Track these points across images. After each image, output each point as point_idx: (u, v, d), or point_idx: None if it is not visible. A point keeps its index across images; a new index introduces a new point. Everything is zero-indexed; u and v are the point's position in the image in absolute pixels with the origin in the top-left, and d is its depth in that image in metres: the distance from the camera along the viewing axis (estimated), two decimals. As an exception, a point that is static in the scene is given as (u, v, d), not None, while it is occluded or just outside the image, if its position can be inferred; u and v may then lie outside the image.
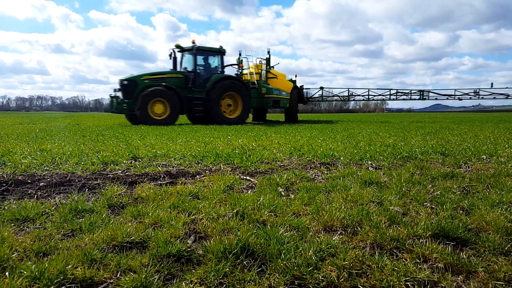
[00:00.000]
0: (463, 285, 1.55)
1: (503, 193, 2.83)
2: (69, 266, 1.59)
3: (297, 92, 18.69)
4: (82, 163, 4.08)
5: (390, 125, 14.58)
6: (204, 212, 2.36)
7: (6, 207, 2.44)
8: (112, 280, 1.55)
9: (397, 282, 1.52)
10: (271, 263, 1.67)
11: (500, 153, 5.15)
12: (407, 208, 2.49)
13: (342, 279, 1.55)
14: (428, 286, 1.53)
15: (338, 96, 21.82)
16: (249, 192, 2.98)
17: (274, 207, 2.46)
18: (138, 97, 13.23)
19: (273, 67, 17.72)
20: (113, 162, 4.19)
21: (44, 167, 3.82)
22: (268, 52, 17.37)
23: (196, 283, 1.53)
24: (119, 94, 13.85)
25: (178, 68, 15.28)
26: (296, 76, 20.03)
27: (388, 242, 1.89)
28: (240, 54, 17.03)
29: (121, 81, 13.76)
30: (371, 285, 1.52)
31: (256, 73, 16.63)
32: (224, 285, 1.52)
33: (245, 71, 16.96)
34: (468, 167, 4.16)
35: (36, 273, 1.51)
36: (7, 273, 1.52)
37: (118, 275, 1.59)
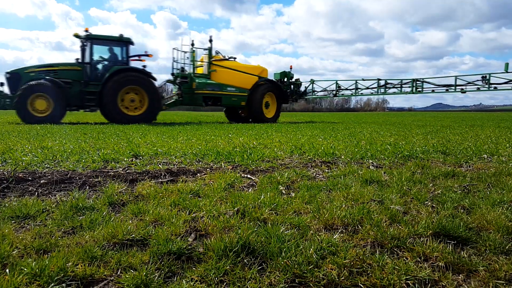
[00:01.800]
0: (463, 284, 1.55)
1: (504, 192, 2.82)
2: (70, 263, 1.59)
3: (274, 88, 16.41)
4: (83, 160, 4.08)
5: (391, 126, 14.58)
6: (205, 210, 2.36)
7: (6, 204, 2.44)
8: (112, 278, 1.55)
9: (398, 281, 1.52)
10: (271, 261, 1.67)
11: (501, 152, 5.15)
12: (408, 207, 2.49)
13: (343, 278, 1.55)
14: (429, 285, 1.53)
15: (326, 90, 18.78)
16: (250, 190, 2.98)
17: (275, 206, 2.46)
18: (16, 92, 11.82)
19: (233, 58, 16.00)
20: (114, 160, 4.19)
21: (45, 164, 3.83)
22: (210, 41, 15.25)
23: (196, 280, 1.53)
24: (4, 88, 12.49)
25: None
26: (291, 68, 18.25)
27: (389, 241, 1.89)
28: (192, 45, 15.31)
29: (6, 74, 12.44)
30: (372, 284, 1.52)
31: (199, 66, 15.16)
32: (225, 283, 1.52)
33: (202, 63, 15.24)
34: (469, 166, 4.15)
35: (37, 270, 1.51)
36: (7, 270, 1.52)
37: (118, 273, 1.59)
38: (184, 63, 15.22)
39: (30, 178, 3.18)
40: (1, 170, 3.39)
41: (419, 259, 1.73)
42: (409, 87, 15.82)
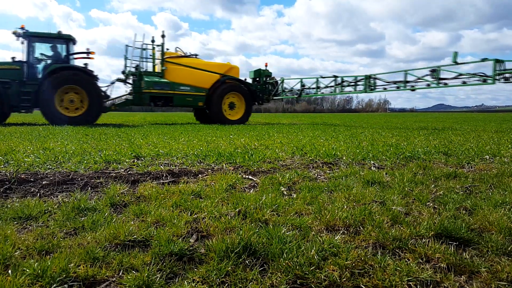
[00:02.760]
0: (465, 285, 1.54)
1: (506, 193, 2.82)
2: (72, 264, 1.59)
3: (239, 87, 15.21)
4: (85, 161, 4.09)
5: (392, 130, 14.56)
6: (206, 211, 2.36)
7: (9, 205, 2.45)
8: (114, 279, 1.56)
9: (400, 282, 1.52)
10: (273, 262, 1.67)
11: (503, 153, 5.13)
12: (410, 208, 2.48)
13: (345, 279, 1.55)
14: (431, 286, 1.52)
15: (293, 89, 16.65)
16: (251, 191, 2.98)
17: (276, 207, 2.46)
18: None
19: (194, 55, 15.10)
20: (115, 161, 4.20)
21: (47, 165, 3.83)
22: (162, 36, 14.30)
23: (198, 282, 1.53)
24: None
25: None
26: (266, 65, 16.80)
27: (391, 242, 1.89)
28: (152, 42, 14.31)
29: None
30: (374, 285, 1.51)
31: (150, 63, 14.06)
32: (226, 284, 1.52)
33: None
34: (471, 167, 4.14)
35: (39, 271, 1.51)
36: (10, 271, 1.53)
37: (120, 274, 1.59)
38: (140, 60, 14.12)
39: (32, 179, 3.19)
40: (4, 171, 3.40)
41: (421, 260, 1.72)
42: (362, 85, 14.01)
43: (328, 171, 3.85)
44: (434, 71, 11.97)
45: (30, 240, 1.85)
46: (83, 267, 1.59)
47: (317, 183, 3.22)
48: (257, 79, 16.73)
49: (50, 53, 13.05)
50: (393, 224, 2.15)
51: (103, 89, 13.36)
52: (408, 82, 12.73)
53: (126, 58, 14.20)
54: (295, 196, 2.80)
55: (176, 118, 22.94)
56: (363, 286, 1.51)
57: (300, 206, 2.49)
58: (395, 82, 13.08)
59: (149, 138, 7.08)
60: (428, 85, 12.27)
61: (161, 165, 4.03)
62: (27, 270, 1.52)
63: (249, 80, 16.71)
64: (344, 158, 4.70)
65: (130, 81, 14.16)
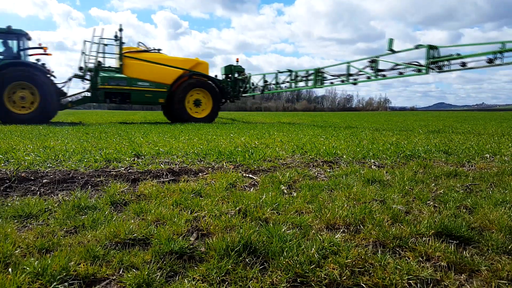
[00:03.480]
0: (466, 284, 1.54)
1: (507, 192, 2.82)
2: (72, 263, 1.59)
3: (205, 84, 14.30)
4: (85, 160, 4.09)
5: (392, 124, 14.55)
6: (207, 209, 2.36)
7: (9, 204, 2.45)
8: (114, 277, 1.56)
9: (400, 281, 1.52)
10: (273, 261, 1.67)
11: (503, 152, 5.13)
12: (410, 207, 2.48)
13: (345, 277, 1.55)
14: (431, 285, 1.52)
15: (257, 86, 15.54)
16: (251, 190, 2.98)
17: (276, 205, 2.46)
18: None
19: (157, 50, 14.44)
20: (116, 160, 4.20)
21: (47, 164, 3.84)
22: (120, 30, 13.43)
23: (198, 280, 1.53)
24: None
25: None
26: (237, 61, 16.03)
27: (391, 241, 1.89)
28: (115, 37, 13.54)
29: None
30: (374, 283, 1.51)
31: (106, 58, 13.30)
32: (227, 282, 1.52)
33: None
34: (472, 166, 4.14)
35: (39, 269, 1.51)
36: (10, 269, 1.53)
37: (120, 272, 1.59)
38: (99, 56, 13.42)
39: (32, 178, 3.19)
40: (4, 170, 3.40)
41: (421, 259, 1.72)
42: (312, 79, 13.25)
43: (328, 170, 3.85)
44: (373, 62, 11.20)
45: (31, 238, 1.85)
46: (83, 265, 1.59)
47: (318, 182, 3.22)
48: (229, 75, 15.92)
49: (2, 48, 12.51)
50: (393, 223, 2.15)
51: (60, 86, 12.85)
52: (351, 75, 12.06)
53: (83, 54, 13.43)
54: (295, 194, 2.80)
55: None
56: (363, 285, 1.51)
57: (300, 205, 2.49)
58: (339, 76, 12.44)
59: (149, 137, 7.08)
60: (368, 77, 11.51)
61: (162, 163, 4.03)
62: (28, 268, 1.52)
63: (222, 77, 15.97)
64: (344, 156, 4.70)
65: (88, 77, 13.43)
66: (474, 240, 1.92)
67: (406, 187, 2.99)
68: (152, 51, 14.47)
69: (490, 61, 8.73)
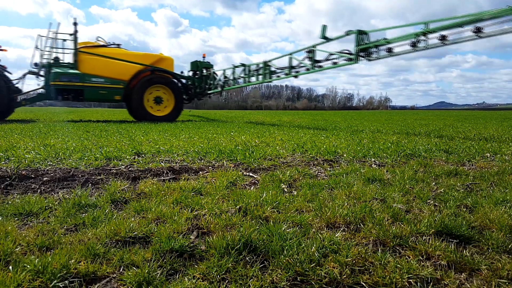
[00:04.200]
0: (466, 283, 1.54)
1: (507, 191, 2.82)
2: (72, 261, 1.59)
3: (166, 80, 13.59)
4: (86, 158, 4.09)
5: (393, 123, 14.54)
6: (207, 208, 2.36)
7: (9, 202, 2.45)
8: (115, 275, 1.56)
9: (400, 279, 1.52)
10: (273, 259, 1.67)
11: (504, 151, 5.13)
12: (410, 206, 2.48)
13: (345, 276, 1.55)
14: (431, 284, 1.52)
15: (219, 83, 14.65)
16: (252, 188, 2.98)
17: (277, 204, 2.46)
18: None
19: (116, 45, 13.78)
20: (116, 158, 4.20)
21: (48, 162, 3.84)
22: (75, 24, 12.68)
23: (198, 278, 1.53)
24: None
25: None
26: (204, 57, 15.31)
27: (391, 239, 1.89)
28: (74, 33, 12.87)
29: None
30: (374, 282, 1.51)
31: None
32: (227, 281, 1.52)
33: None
34: (472, 165, 4.14)
35: (39, 267, 1.51)
36: (10, 267, 1.53)
37: (121, 270, 1.59)
38: (55, 52, 12.86)
39: (33, 176, 3.19)
40: (4, 168, 3.40)
41: (421, 258, 1.72)
42: (261, 74, 12.64)
43: (328, 169, 3.85)
44: (311, 52, 10.56)
45: (31, 236, 1.86)
46: (83, 263, 1.59)
47: (318, 181, 3.22)
48: (197, 72, 15.22)
49: None
50: (393, 222, 2.15)
51: (14, 82, 12.30)
52: (293, 67, 11.47)
53: (37, 49, 12.78)
54: (295, 193, 2.80)
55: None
56: (363, 283, 1.51)
57: (300, 203, 2.49)
58: (282, 69, 11.87)
59: (149, 135, 7.08)
60: (308, 69, 10.84)
61: (162, 162, 4.03)
62: (28, 266, 1.52)
63: (190, 73, 15.27)
64: (344, 155, 4.70)
65: (43, 73, 12.83)
66: (474, 239, 1.92)
67: (407, 186, 2.99)
68: (111, 46, 13.72)
69: (414, 45, 8.02)
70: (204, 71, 15.20)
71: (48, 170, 3.43)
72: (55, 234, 1.91)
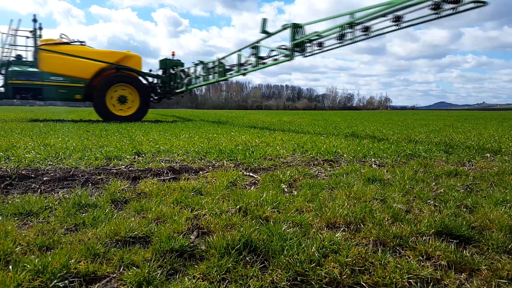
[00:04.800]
0: (466, 283, 1.54)
1: (507, 191, 2.82)
2: (72, 260, 1.59)
3: (131, 78, 12.94)
4: (86, 158, 4.09)
5: (393, 123, 14.54)
6: (207, 207, 2.36)
7: (9, 201, 2.45)
8: (115, 275, 1.56)
9: (400, 280, 1.52)
10: (273, 259, 1.67)
11: (504, 151, 5.13)
12: (411, 206, 2.48)
13: (345, 276, 1.55)
14: (431, 284, 1.52)
15: (185, 81, 14.07)
16: (252, 188, 2.98)
17: (277, 204, 2.46)
18: None
19: (80, 42, 13.20)
20: (116, 157, 4.20)
21: (48, 161, 3.84)
22: (34, 21, 12.34)
23: (198, 278, 1.53)
24: None
25: None
26: (173, 54, 14.82)
27: (391, 239, 1.88)
28: (39, 29, 12.52)
29: None
30: (374, 282, 1.51)
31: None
32: (227, 281, 1.52)
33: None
34: (472, 165, 4.14)
35: (39, 267, 1.51)
36: (10, 267, 1.53)
37: (121, 270, 1.59)
38: (15, 49, 12.43)
39: (33, 175, 3.19)
40: (4, 167, 3.40)
41: (421, 258, 1.72)
42: (216, 72, 12.34)
43: (329, 169, 3.85)
44: (255, 48, 10.17)
45: (31, 236, 1.86)
46: (83, 263, 1.59)
47: (318, 181, 3.22)
48: (165, 70, 14.72)
49: None
50: (393, 222, 2.15)
51: None
52: (242, 64, 11.08)
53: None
54: (295, 193, 2.80)
55: (177, 115, 22.94)
56: (363, 283, 1.51)
57: (300, 203, 2.49)
58: (232, 66, 11.56)
59: (150, 135, 7.08)
60: (253, 66, 10.47)
61: (162, 161, 4.03)
62: (28, 266, 1.52)
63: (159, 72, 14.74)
64: (345, 155, 4.70)
65: (3, 71, 12.27)
66: (474, 240, 1.92)
67: (407, 186, 2.99)
68: (74, 43, 13.10)
69: (340, 38, 7.67)
70: (173, 69, 14.70)
71: (48, 169, 3.43)
72: (55, 234, 1.91)
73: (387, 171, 3.68)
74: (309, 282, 1.53)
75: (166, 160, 4.15)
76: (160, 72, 14.76)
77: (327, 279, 1.53)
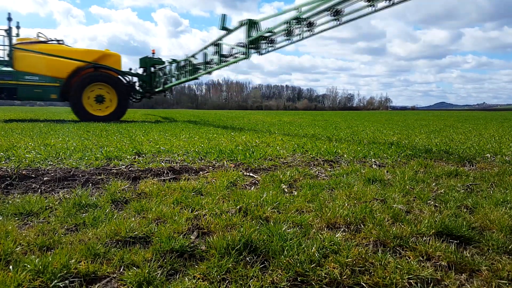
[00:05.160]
0: (466, 284, 1.54)
1: (507, 192, 2.81)
2: (73, 260, 1.59)
3: (108, 78, 12.60)
4: (86, 158, 4.09)
5: (393, 124, 14.53)
6: (207, 208, 2.36)
7: (10, 201, 2.45)
8: (115, 275, 1.56)
9: (400, 280, 1.52)
10: (274, 260, 1.67)
11: (504, 151, 5.12)
12: (411, 206, 2.48)
13: (345, 276, 1.55)
14: (431, 284, 1.52)
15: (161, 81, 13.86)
16: (252, 188, 2.98)
17: (277, 204, 2.46)
18: None
19: (57, 41, 12.93)
20: (116, 158, 4.20)
21: (48, 161, 3.84)
22: (9, 19, 12.17)
23: (199, 278, 1.53)
24: None
25: None
26: (153, 52, 14.51)
27: (392, 240, 1.88)
28: (17, 28, 12.29)
29: None
30: (374, 283, 1.51)
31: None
32: (227, 281, 1.52)
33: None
34: (472, 166, 4.14)
35: (40, 267, 1.51)
36: (11, 267, 1.53)
37: (121, 270, 1.59)
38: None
39: (33, 175, 3.20)
40: (5, 167, 3.40)
41: (421, 258, 1.72)
42: (187, 70, 12.28)
43: (329, 169, 3.85)
44: (217, 45, 10.00)
45: (31, 236, 1.86)
46: (84, 263, 1.59)
47: (318, 181, 3.22)
48: (146, 68, 14.39)
49: None
50: (394, 222, 2.15)
51: None
52: (208, 63, 10.99)
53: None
54: (296, 193, 2.80)
55: (177, 115, 22.94)
56: (363, 284, 1.51)
57: (301, 204, 2.49)
58: (200, 65, 11.62)
59: (150, 135, 7.09)
60: (217, 64, 10.40)
61: (162, 162, 4.03)
62: (28, 266, 1.52)
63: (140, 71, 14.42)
64: (345, 156, 4.70)
65: None
66: (474, 240, 1.92)
67: (407, 187, 2.99)
68: (52, 42, 12.87)
69: (288, 34, 7.53)
70: (154, 68, 14.46)
71: (48, 169, 3.43)
72: (55, 234, 1.91)
73: (387, 172, 3.68)
74: (309, 282, 1.53)
75: (166, 160, 4.16)
76: (140, 71, 14.41)
77: (327, 279, 1.53)
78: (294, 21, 7.36)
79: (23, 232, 1.93)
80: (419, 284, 1.51)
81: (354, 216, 2.20)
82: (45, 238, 1.83)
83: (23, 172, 3.24)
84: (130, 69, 14.12)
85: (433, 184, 3.14)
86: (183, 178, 3.31)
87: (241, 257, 1.69)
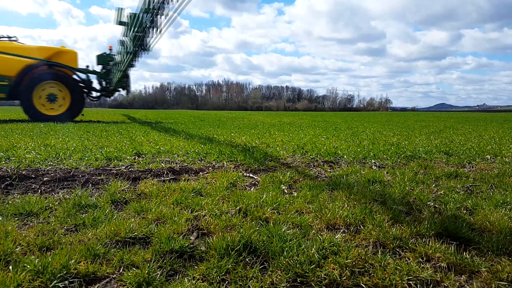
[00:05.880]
0: (466, 285, 1.54)
1: (507, 193, 2.81)
2: (72, 261, 1.59)
3: (61, 76, 12.12)
4: (86, 158, 4.09)
5: (393, 125, 14.53)
6: (207, 208, 2.36)
7: (10, 202, 2.45)
8: (115, 275, 1.56)
9: (400, 281, 1.52)
10: (273, 261, 1.67)
11: (504, 153, 5.13)
12: (411, 207, 2.48)
13: (345, 278, 1.55)
14: (431, 286, 1.52)
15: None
16: (252, 189, 2.98)
17: (277, 205, 2.46)
18: None
19: (10, 38, 12.48)
20: (116, 158, 4.20)
21: (48, 162, 3.84)
22: None
23: (198, 279, 1.53)
24: None
25: None
26: (110, 49, 13.93)
27: (391, 241, 1.88)
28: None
29: None
30: (374, 284, 1.51)
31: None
32: (227, 282, 1.52)
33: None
34: (472, 167, 4.14)
35: (39, 267, 1.51)
36: (10, 267, 1.53)
37: (121, 270, 1.59)
38: None
39: (33, 176, 3.20)
40: (5, 168, 3.40)
41: (421, 260, 1.72)
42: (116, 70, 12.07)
43: (329, 170, 3.85)
44: (123, 44, 9.63)
45: (31, 236, 1.86)
46: (83, 263, 1.59)
47: (318, 182, 3.22)
48: (104, 66, 13.93)
49: None
50: (393, 223, 2.15)
51: None
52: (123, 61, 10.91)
53: None
54: (295, 194, 2.80)
55: (177, 116, 22.94)
56: (363, 285, 1.51)
57: (300, 205, 2.49)
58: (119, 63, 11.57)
59: (150, 136, 7.09)
60: (124, 62, 10.21)
61: (162, 162, 4.03)
62: (28, 266, 1.52)
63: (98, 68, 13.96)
64: (345, 157, 4.70)
65: None
66: (474, 241, 1.92)
67: (407, 188, 2.99)
68: (2, 39, 12.35)
69: (153, 14, 7.35)
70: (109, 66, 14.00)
71: (48, 170, 3.43)
72: (55, 234, 1.91)
73: (387, 173, 3.68)
74: (308, 283, 1.53)
75: (166, 160, 4.16)
76: (98, 68, 13.92)
77: (327, 280, 1.53)
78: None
79: (23, 232, 1.93)
80: (418, 285, 1.51)
81: (354, 217, 2.20)
82: (45, 238, 1.83)
83: (23, 173, 3.24)
84: (87, 66, 13.68)
85: (433, 185, 3.14)
86: (183, 178, 3.31)
87: (240, 258, 1.69)
